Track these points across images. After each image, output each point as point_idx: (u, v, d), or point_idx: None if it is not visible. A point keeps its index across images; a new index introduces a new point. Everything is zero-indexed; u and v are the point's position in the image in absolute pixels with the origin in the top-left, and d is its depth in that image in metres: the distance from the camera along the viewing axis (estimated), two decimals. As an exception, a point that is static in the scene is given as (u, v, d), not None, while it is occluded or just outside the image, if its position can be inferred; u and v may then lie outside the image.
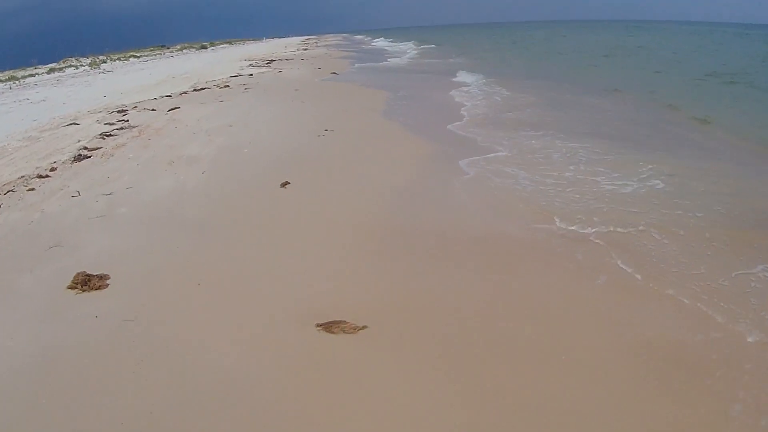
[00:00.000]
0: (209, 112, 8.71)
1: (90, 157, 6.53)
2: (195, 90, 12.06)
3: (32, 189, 5.12)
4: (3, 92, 14.55)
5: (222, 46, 44.25)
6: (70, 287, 3.22)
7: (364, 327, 2.70)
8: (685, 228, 3.80)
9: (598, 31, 50.74)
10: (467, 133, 7.01)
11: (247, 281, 3.22)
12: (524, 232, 3.85)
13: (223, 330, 2.70)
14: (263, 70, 16.96)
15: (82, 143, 7.19)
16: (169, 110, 9.25)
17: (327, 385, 2.29)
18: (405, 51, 30.62)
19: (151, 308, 2.93)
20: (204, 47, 40.61)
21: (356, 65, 19.65)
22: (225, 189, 4.85)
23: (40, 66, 23.58)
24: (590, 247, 3.57)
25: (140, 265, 3.49)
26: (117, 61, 26.47)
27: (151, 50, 35.05)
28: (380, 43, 46.84)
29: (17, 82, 18.12)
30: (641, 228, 3.82)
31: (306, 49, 32.64)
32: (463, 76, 13.88)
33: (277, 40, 60.01)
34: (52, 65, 24.35)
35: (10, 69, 22.29)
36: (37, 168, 5.89)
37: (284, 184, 4.82)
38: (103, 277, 3.37)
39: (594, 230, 3.83)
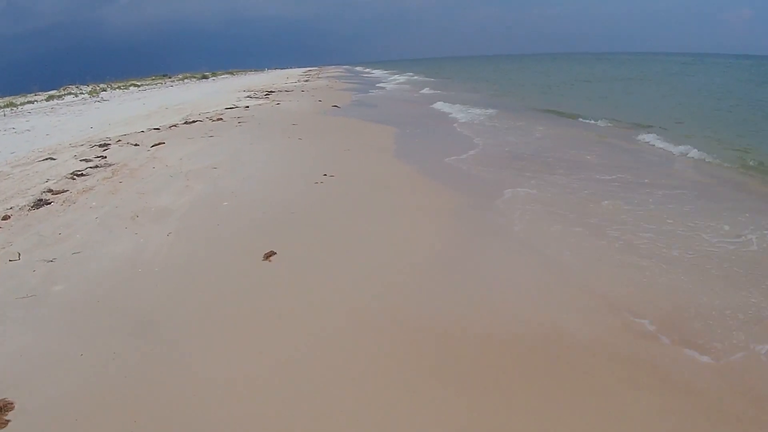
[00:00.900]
0: (195, 150, 7.74)
1: (51, 203, 5.64)
2: (186, 123, 11.19)
3: (-35, 247, 4.07)
4: (-5, 120, 13.80)
5: (223, 76, 44.08)
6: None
7: None
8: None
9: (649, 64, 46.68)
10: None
11: (205, 423, 2.11)
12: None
13: None
14: (261, 101, 16.15)
15: (50, 183, 6.37)
16: (153, 146, 8.34)
17: None
18: (409, 82, 30.24)
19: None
20: (205, 77, 40.36)
21: (358, 95, 18.95)
22: (192, 260, 3.74)
23: (40, 93, 22.96)
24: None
25: (56, 389, 2.41)
26: (117, 89, 25.95)
27: (153, 79, 34.73)
28: (379, 73, 47.00)
29: (14, 108, 17.37)
30: None
31: (307, 81, 32.16)
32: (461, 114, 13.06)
33: (278, 71, 60.45)
34: (52, 92, 23.76)
35: (11, 95, 21.68)
36: (-11, 215, 4.91)
37: (268, 255, 3.69)
38: (5, 408, 2.29)
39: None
